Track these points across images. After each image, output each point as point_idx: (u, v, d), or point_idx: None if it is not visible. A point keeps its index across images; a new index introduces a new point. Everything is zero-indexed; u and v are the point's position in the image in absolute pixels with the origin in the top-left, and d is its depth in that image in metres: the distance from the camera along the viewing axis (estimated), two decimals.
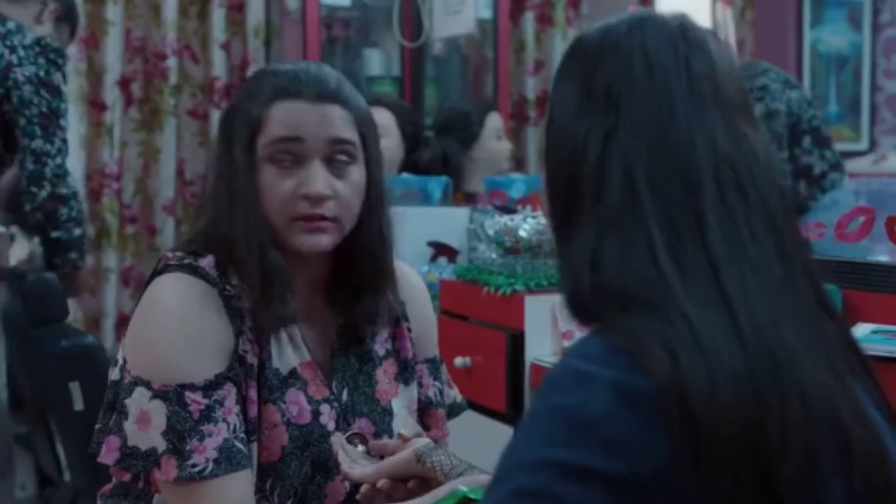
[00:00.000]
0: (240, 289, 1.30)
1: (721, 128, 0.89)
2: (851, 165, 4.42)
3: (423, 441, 1.27)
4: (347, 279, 1.36)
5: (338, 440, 1.31)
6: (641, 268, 0.83)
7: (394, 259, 1.39)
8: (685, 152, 0.88)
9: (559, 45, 3.95)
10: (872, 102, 4.77)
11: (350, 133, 1.31)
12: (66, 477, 2.59)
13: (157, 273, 1.33)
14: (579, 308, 0.88)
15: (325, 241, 1.30)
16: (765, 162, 0.90)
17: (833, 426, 0.82)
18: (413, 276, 1.51)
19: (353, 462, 1.28)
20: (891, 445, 0.86)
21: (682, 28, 0.94)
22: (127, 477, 1.35)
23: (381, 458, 1.31)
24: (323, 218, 1.29)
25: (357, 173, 1.32)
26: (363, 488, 1.26)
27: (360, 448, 1.33)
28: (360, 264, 1.35)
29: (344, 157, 1.30)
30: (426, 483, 1.24)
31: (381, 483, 1.24)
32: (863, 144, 4.77)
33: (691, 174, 0.87)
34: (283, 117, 1.29)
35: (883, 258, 2.00)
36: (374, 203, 1.33)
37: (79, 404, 2.41)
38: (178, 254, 1.33)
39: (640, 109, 0.89)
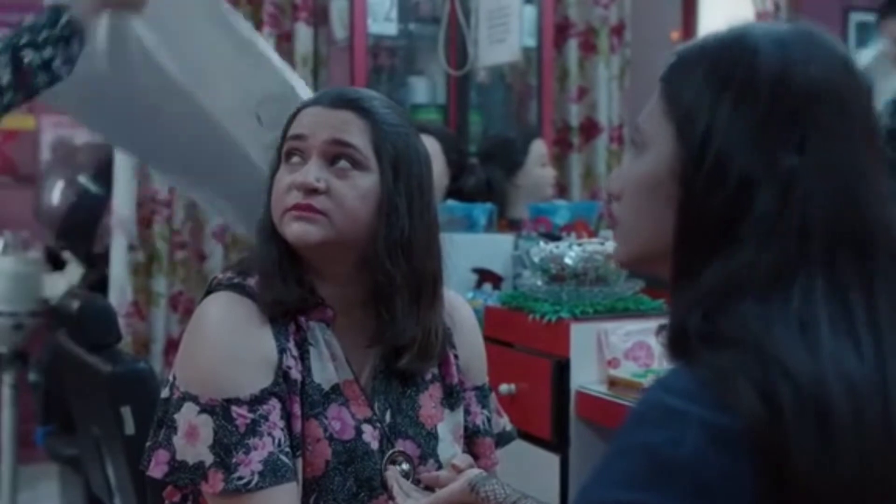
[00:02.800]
0: None
1: (882, 183, 0.82)
2: None
3: (476, 471, 1.28)
4: (374, 296, 1.35)
5: (393, 474, 1.32)
6: (782, 321, 0.77)
7: (440, 286, 1.39)
8: (864, 213, 0.80)
9: (602, 73, 3.97)
10: None
11: (359, 139, 1.32)
12: (117, 500, 2.63)
13: (207, 293, 1.38)
14: (677, 345, 0.83)
15: (312, 231, 1.30)
16: None
17: None
18: (461, 303, 1.52)
19: (407, 495, 1.29)
20: None
21: (849, 59, 0.85)
22: (177, 497, 1.38)
23: (433, 490, 1.31)
24: (310, 209, 1.30)
25: (364, 180, 1.32)
26: None
27: (405, 466, 1.34)
28: (372, 280, 1.34)
29: (348, 160, 1.32)
30: None
31: None
32: None
33: (867, 238, 0.80)
34: (301, 119, 1.36)
35: None
36: (391, 214, 1.32)
37: (130, 428, 2.44)
38: (228, 274, 1.38)
39: (830, 154, 0.80)
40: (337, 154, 1.32)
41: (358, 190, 1.32)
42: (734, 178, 0.81)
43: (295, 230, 1.31)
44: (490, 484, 1.23)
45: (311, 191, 1.30)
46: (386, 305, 1.34)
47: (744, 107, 0.82)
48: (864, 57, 3.45)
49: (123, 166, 3.30)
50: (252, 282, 1.35)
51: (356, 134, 1.33)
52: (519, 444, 2.17)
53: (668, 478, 0.74)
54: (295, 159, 1.34)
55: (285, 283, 1.33)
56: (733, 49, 0.85)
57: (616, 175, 0.94)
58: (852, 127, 0.82)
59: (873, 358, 0.77)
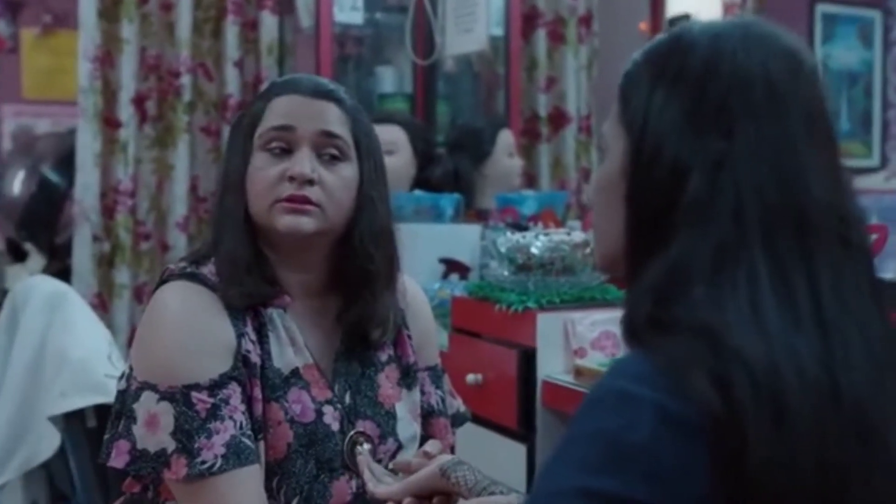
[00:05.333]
0: None
1: (829, 169, 0.83)
2: (862, 182, 4.41)
3: (447, 457, 1.28)
4: (343, 281, 1.39)
5: (365, 459, 1.33)
6: (733, 306, 0.78)
7: (398, 268, 1.43)
8: (801, 194, 0.81)
9: (571, 63, 3.96)
10: (884, 119, 4.77)
11: (342, 130, 1.36)
12: (80, 494, 2.59)
13: (160, 284, 1.37)
14: (633, 332, 0.83)
15: (306, 223, 1.32)
16: (863, 210, 0.85)
17: None
18: (412, 285, 1.54)
19: (378, 480, 1.30)
20: None
21: (797, 49, 0.86)
22: (137, 489, 1.38)
23: (395, 473, 1.31)
24: (306, 200, 1.32)
25: (348, 171, 1.36)
26: None
27: (367, 446, 1.36)
28: (352, 264, 1.38)
29: (334, 152, 1.35)
30: (450, 499, 1.25)
31: (407, 501, 1.25)
32: (874, 161, 4.76)
33: (804, 220, 0.81)
34: (279, 108, 1.35)
35: (891, 275, 2.00)
36: (366, 204, 1.37)
37: (91, 421, 2.42)
38: (181, 264, 1.38)
39: (759, 138, 0.82)
40: (325, 145, 1.34)
41: (344, 180, 1.35)
42: (667, 166, 0.83)
43: (289, 222, 1.32)
44: (461, 469, 1.23)
45: (306, 182, 1.32)
46: (369, 290, 1.38)
47: (675, 96, 0.84)
48: None
49: (85, 155, 3.27)
50: (206, 270, 1.36)
51: (339, 125, 1.36)
52: (486, 434, 2.18)
53: (623, 462, 0.75)
54: (278, 150, 1.34)
55: (254, 277, 1.33)
56: (671, 45, 0.87)
57: (589, 183, 0.96)
58: (787, 112, 0.83)
59: (819, 341, 0.78)
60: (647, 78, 0.87)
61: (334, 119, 1.35)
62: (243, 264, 1.33)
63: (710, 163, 0.81)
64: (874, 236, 1.76)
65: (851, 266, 0.82)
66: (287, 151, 1.34)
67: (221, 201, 1.38)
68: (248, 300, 1.33)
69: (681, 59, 0.85)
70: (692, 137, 0.82)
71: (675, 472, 0.74)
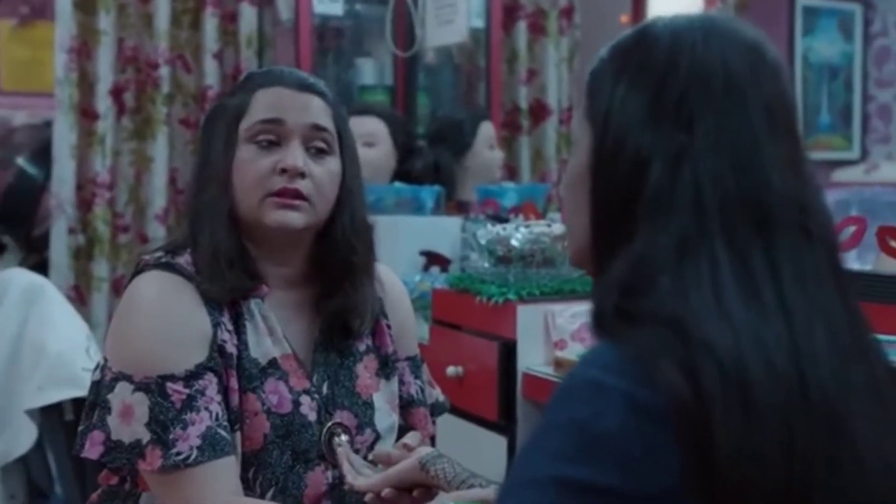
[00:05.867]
0: None
1: (790, 161, 0.84)
2: (843, 175, 4.43)
3: (427, 449, 1.28)
4: (325, 272, 1.39)
5: (344, 451, 1.33)
6: (698, 295, 0.79)
7: (374, 258, 1.44)
8: (760, 185, 0.82)
9: (552, 55, 3.96)
10: (864, 112, 4.79)
11: (328, 123, 1.37)
12: (57, 488, 2.58)
13: (135, 274, 1.36)
14: (601, 324, 0.84)
15: (296, 218, 1.33)
16: (825, 201, 0.86)
17: (883, 482, 0.79)
18: (390, 275, 1.54)
19: (358, 472, 1.30)
20: None
21: (759, 44, 0.87)
22: (114, 480, 1.38)
23: (374, 464, 1.31)
24: (297, 195, 1.32)
25: (333, 164, 1.37)
26: (368, 497, 1.27)
27: (345, 437, 1.36)
28: (334, 256, 1.38)
29: (322, 145, 1.36)
30: (430, 491, 1.25)
31: (386, 492, 1.25)
32: (854, 154, 4.78)
33: (763, 210, 0.82)
34: (266, 101, 1.35)
35: (870, 267, 2.01)
36: (347, 197, 1.38)
37: (69, 415, 2.40)
38: (156, 254, 1.37)
39: (719, 130, 0.83)
40: (313, 138, 1.35)
41: (330, 174, 1.36)
42: (629, 159, 0.84)
43: (280, 217, 1.32)
44: (441, 462, 1.24)
45: (297, 175, 1.32)
46: (349, 281, 1.39)
47: (636, 90, 0.85)
48: None
49: (62, 147, 3.24)
50: (182, 260, 1.35)
51: (325, 117, 1.37)
52: (466, 426, 2.18)
53: (594, 451, 0.75)
54: (266, 142, 1.34)
55: (235, 271, 1.33)
56: (634, 40, 0.89)
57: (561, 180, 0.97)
58: (746, 104, 0.84)
59: (784, 330, 0.79)
60: (611, 73, 0.88)
61: (321, 112, 1.36)
62: (226, 259, 1.32)
63: (670, 155, 0.82)
64: (852, 228, 1.76)
65: (812, 256, 0.83)
66: (275, 144, 1.34)
67: (201, 193, 1.36)
68: (229, 295, 1.33)
69: (643, 54, 0.87)
70: (653, 130, 0.83)
71: (646, 460, 0.75)
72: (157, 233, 3.36)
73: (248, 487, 1.32)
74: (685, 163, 0.82)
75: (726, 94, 0.84)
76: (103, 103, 3.31)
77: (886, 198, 3.68)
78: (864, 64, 4.77)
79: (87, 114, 3.32)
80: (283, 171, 1.32)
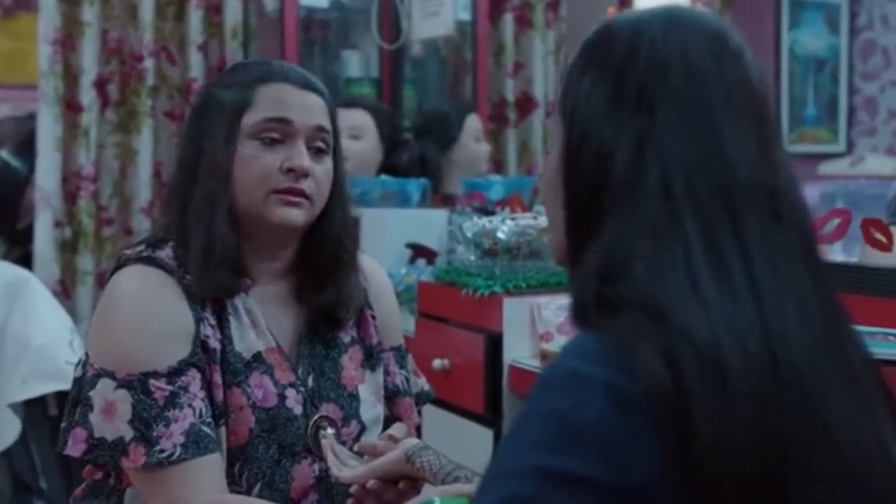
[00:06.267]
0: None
1: (758, 147, 0.85)
2: (829, 167, 4.44)
3: (413, 441, 1.28)
4: (311, 266, 1.40)
5: (329, 442, 1.32)
6: (673, 281, 0.79)
7: (357, 250, 1.45)
8: (726, 170, 0.83)
9: (538, 48, 3.95)
10: (850, 105, 4.79)
11: (328, 123, 1.38)
12: (42, 483, 2.57)
13: (116, 269, 1.35)
14: (581, 316, 0.85)
15: (299, 216, 1.34)
16: (797, 186, 0.87)
17: (858, 469, 0.80)
18: (374, 266, 1.54)
19: (343, 463, 1.29)
20: None
21: (721, 33, 0.88)
22: (98, 475, 1.37)
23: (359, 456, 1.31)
24: (302, 193, 1.33)
25: (329, 163, 1.38)
26: (353, 489, 1.26)
27: (331, 431, 1.35)
28: (324, 252, 1.39)
29: (322, 145, 1.37)
30: (415, 483, 1.25)
31: (371, 484, 1.25)
32: (840, 146, 4.79)
33: (731, 194, 0.82)
34: (271, 97, 1.34)
35: (855, 259, 2.01)
36: (339, 192, 1.40)
37: (53, 409, 2.39)
38: (138, 248, 1.36)
39: (680, 118, 0.84)
40: (315, 138, 1.36)
41: (328, 173, 1.37)
42: (594, 151, 0.85)
43: (284, 214, 1.32)
44: (426, 454, 1.23)
45: (304, 175, 1.33)
46: (337, 275, 1.40)
47: (599, 83, 0.87)
48: None
49: (47, 140, 3.22)
50: (163, 254, 1.34)
51: (326, 118, 1.38)
52: (453, 418, 2.18)
53: (576, 441, 0.75)
54: (269, 140, 1.33)
55: (227, 269, 1.32)
56: (600, 35, 0.91)
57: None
58: (707, 92, 0.85)
59: (756, 314, 0.79)
60: (578, 68, 0.90)
61: (322, 112, 1.37)
62: (221, 255, 1.31)
63: (632, 142, 0.84)
64: (837, 220, 1.76)
65: (782, 238, 0.83)
66: (278, 142, 1.34)
67: (198, 186, 1.34)
68: (215, 293, 1.33)
69: (606, 48, 0.89)
70: (615, 121, 0.85)
71: (627, 449, 0.75)
72: (142, 226, 3.35)
73: (235, 482, 1.31)
74: (648, 149, 0.83)
75: (687, 83, 0.85)
76: (88, 95, 3.29)
77: (871, 190, 3.68)
78: (849, 57, 4.78)
79: (71, 106, 3.30)
80: (290, 170, 1.33)
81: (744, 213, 0.82)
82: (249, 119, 1.34)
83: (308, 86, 1.37)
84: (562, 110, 0.90)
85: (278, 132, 1.34)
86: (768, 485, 0.76)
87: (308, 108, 1.36)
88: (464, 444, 2.07)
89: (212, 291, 1.32)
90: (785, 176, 0.86)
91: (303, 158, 1.33)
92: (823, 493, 0.77)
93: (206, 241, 1.31)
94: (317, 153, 1.36)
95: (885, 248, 1.72)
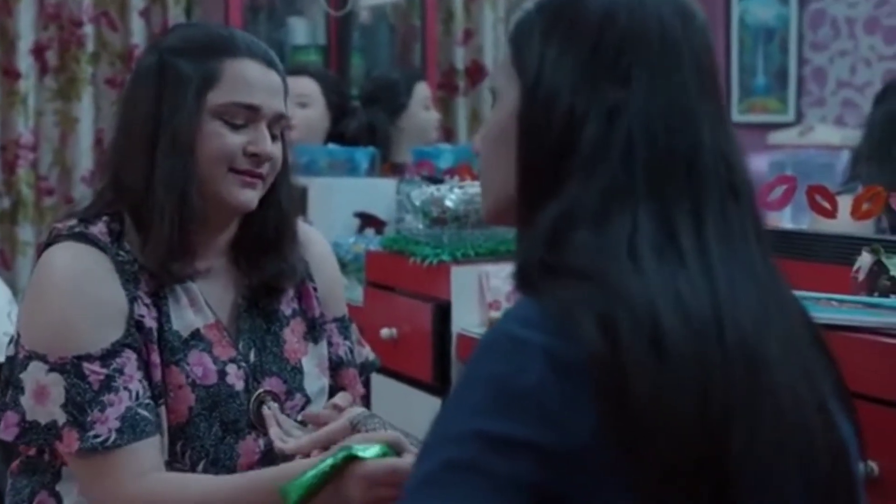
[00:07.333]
0: (134, 251, 1.29)
1: (718, 119, 0.86)
2: (778, 137, 4.46)
3: (358, 410, 1.27)
4: (254, 239, 1.37)
5: (270, 413, 1.30)
6: (615, 249, 0.80)
7: (297, 221, 1.44)
8: (693, 141, 0.83)
9: (489, 16, 3.92)
10: (799, 75, 4.82)
11: (286, 108, 1.37)
12: None
13: (47, 245, 1.30)
14: (525, 280, 0.84)
15: (255, 198, 1.33)
16: (746, 160, 0.87)
17: (801, 432, 0.80)
18: (315, 235, 1.51)
19: (287, 434, 1.27)
20: (850, 444, 0.85)
21: (687, 2, 0.89)
22: (32, 451, 1.33)
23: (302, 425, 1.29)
24: (260, 176, 1.32)
25: (280, 142, 1.36)
26: (298, 459, 1.24)
27: (274, 405, 1.33)
28: (268, 225, 1.37)
29: (279, 132, 1.36)
30: None
31: (316, 454, 1.22)
32: (789, 116, 4.82)
33: (694, 164, 0.83)
34: (238, 76, 1.31)
35: (805, 227, 2.02)
36: (286, 169, 1.38)
37: None
38: (69, 223, 1.31)
39: (653, 87, 0.84)
40: (276, 125, 1.35)
41: (281, 153, 1.36)
42: (562, 116, 0.84)
43: (241, 196, 1.31)
44: (371, 423, 1.22)
45: (267, 160, 1.32)
46: (260, 245, 1.37)
47: (570, 47, 0.85)
48: None
49: None
50: (96, 230, 1.29)
51: (284, 102, 1.36)
52: (401, 387, 2.17)
53: (514, 405, 0.76)
54: (236, 121, 1.31)
55: (181, 249, 1.29)
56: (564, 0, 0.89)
57: (479, 133, 0.96)
58: (679, 64, 0.85)
59: (703, 280, 0.80)
60: (540, 30, 0.88)
61: (282, 95, 1.36)
62: (179, 247, 1.28)
63: (606, 111, 0.83)
64: (783, 188, 1.76)
65: (738, 213, 0.84)
66: (244, 124, 1.32)
67: (157, 158, 1.28)
68: (175, 280, 1.30)
69: (575, 10, 0.87)
70: (589, 87, 0.84)
71: (564, 414, 0.75)
72: (84, 195, 3.28)
73: (178, 460, 1.29)
74: (620, 119, 0.83)
75: (661, 51, 0.85)
76: (25, 62, 3.22)
77: (821, 160, 3.71)
78: (799, 27, 4.79)
79: (8, 73, 3.23)
80: (254, 154, 1.31)
81: (703, 187, 0.83)
82: (216, 98, 1.30)
83: (271, 63, 1.35)
84: (519, 71, 0.89)
85: (243, 117, 1.31)
86: (708, 444, 0.76)
87: (272, 92, 1.34)
88: (412, 413, 2.05)
89: (168, 278, 1.29)
90: (737, 148, 0.87)
91: (267, 144, 1.32)
92: (765, 450, 0.78)
93: (169, 224, 1.27)
94: (275, 136, 1.35)
95: (830, 214, 1.73)
